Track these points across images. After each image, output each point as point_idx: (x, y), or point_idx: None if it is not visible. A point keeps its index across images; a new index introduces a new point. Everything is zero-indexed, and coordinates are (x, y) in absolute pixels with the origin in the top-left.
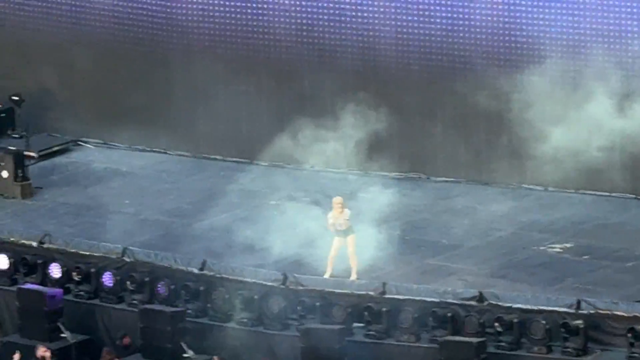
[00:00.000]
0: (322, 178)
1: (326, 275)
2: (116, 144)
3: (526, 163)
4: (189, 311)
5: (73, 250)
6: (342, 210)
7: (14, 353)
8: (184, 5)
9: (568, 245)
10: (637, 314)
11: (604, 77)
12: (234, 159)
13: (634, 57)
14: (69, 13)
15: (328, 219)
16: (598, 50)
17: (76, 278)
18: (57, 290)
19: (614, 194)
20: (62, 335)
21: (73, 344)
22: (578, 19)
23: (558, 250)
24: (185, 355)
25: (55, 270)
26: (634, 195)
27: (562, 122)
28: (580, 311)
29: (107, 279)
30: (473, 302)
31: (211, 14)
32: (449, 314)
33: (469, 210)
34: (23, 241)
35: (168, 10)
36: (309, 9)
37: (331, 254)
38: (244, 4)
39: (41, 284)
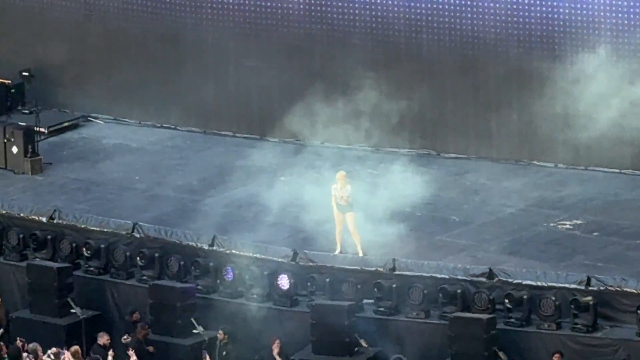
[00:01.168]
0: (333, 154)
1: (336, 252)
2: (126, 120)
3: (536, 140)
4: (199, 287)
5: (83, 226)
6: (343, 185)
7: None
8: None
9: (578, 222)
10: None
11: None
12: (244, 135)
13: None
14: None
15: (332, 191)
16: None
17: (86, 254)
18: (68, 266)
19: (624, 171)
20: (72, 310)
21: (83, 320)
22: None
23: (568, 227)
24: (194, 331)
25: (65, 246)
26: None
27: (573, 100)
28: (589, 288)
29: (118, 255)
30: (483, 279)
31: None
32: (459, 291)
33: (479, 186)
34: (33, 217)
35: None
36: None
37: (337, 229)
38: None
39: (51, 259)
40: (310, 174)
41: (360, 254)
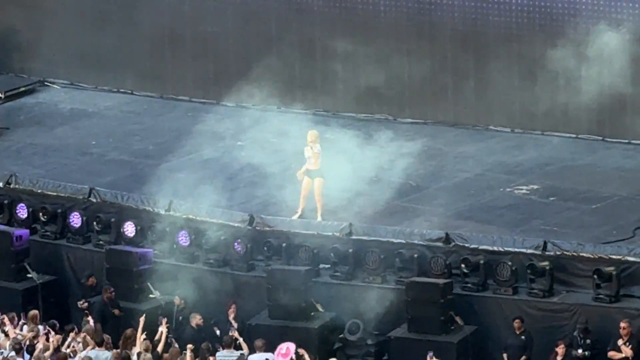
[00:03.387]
0: (289, 120)
1: (296, 215)
2: (83, 85)
3: (492, 105)
4: (156, 252)
5: (39, 191)
6: (314, 143)
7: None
8: None
9: (534, 186)
10: (602, 256)
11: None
12: (201, 100)
13: None
14: None
15: (305, 153)
16: None
17: (42, 218)
18: (24, 231)
19: (580, 136)
20: (29, 275)
21: (39, 284)
22: None
23: (524, 191)
24: (151, 295)
25: (22, 211)
26: (600, 137)
27: (529, 65)
28: (546, 253)
29: (75, 219)
30: (439, 244)
31: None
32: (415, 255)
33: (435, 151)
34: None
35: None
36: None
37: (302, 193)
38: None
39: (7, 224)
40: (266, 139)
41: (319, 219)
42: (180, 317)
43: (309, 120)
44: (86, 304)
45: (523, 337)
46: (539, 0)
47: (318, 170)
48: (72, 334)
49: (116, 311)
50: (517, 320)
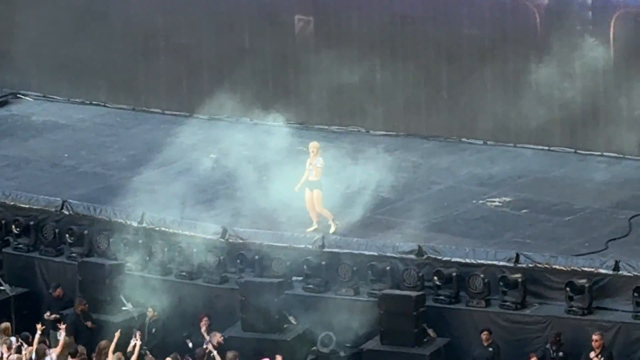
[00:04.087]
0: (261, 131)
1: (311, 228)
2: (55, 97)
3: (466, 117)
4: (128, 264)
5: (12, 203)
6: (316, 156)
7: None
8: None
9: (507, 199)
10: (575, 268)
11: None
12: (174, 112)
13: None
14: None
15: (306, 166)
16: None
17: (15, 231)
18: None
19: (553, 148)
20: (1, 287)
21: (12, 297)
22: None
23: (497, 204)
24: (124, 307)
25: None
26: (573, 149)
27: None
28: (518, 265)
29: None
30: (412, 256)
31: None
32: (388, 268)
33: (408, 163)
34: None
35: None
36: None
37: (307, 205)
38: None
39: None
40: (239, 151)
41: (333, 229)
42: (154, 330)
43: (282, 132)
44: (53, 316)
45: (490, 348)
46: (513, 14)
47: (318, 182)
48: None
49: (89, 323)
50: (485, 332)
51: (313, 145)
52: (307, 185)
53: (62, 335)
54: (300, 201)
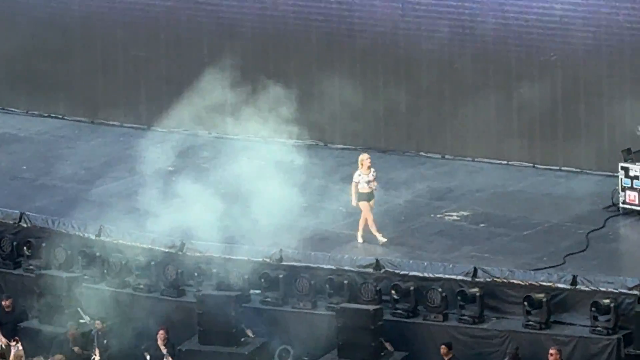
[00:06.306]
0: (219, 145)
1: (382, 240)
2: (13, 110)
3: (423, 131)
4: (86, 277)
5: None
6: (369, 167)
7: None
8: None
9: (465, 213)
10: (533, 282)
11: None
12: (132, 125)
13: None
14: None
15: (354, 178)
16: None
17: None
18: None
19: (511, 162)
20: (82, 320)
21: None
22: None
23: (455, 218)
24: (81, 320)
25: None
26: (531, 164)
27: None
28: (476, 279)
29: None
30: (370, 270)
31: None
32: (346, 281)
33: None
34: None
35: None
36: None
37: (369, 218)
38: None
39: None
40: (197, 164)
41: (384, 240)
42: (105, 341)
43: (240, 146)
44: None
45: None
46: (468, 29)
47: (371, 193)
48: None
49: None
50: (443, 347)
51: (364, 157)
52: (367, 197)
53: (18, 349)
54: (258, 215)
